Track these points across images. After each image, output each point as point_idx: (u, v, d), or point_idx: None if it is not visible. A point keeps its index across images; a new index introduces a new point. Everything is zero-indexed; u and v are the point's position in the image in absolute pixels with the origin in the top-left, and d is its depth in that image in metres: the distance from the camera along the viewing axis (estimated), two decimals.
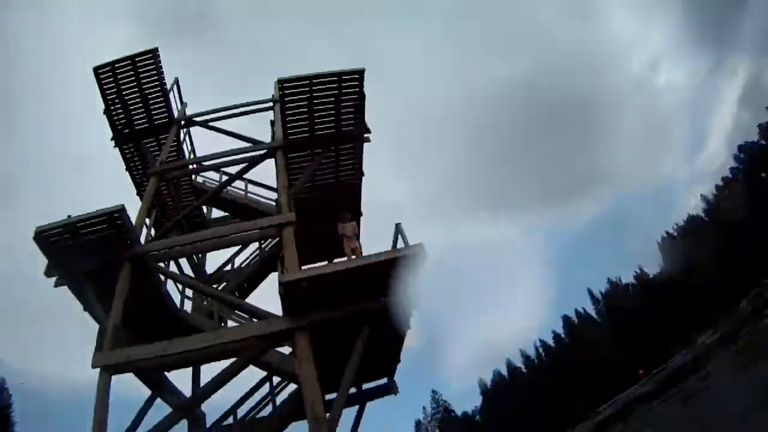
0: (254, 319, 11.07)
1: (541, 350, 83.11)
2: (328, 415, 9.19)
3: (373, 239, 12.01)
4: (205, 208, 16.86)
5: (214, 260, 16.59)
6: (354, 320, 9.75)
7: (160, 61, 14.19)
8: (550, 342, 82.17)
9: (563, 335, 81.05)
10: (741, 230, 55.47)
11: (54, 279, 10.90)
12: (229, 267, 15.63)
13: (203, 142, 16.39)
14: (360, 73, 12.24)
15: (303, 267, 11.61)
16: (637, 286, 73.91)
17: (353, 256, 10.73)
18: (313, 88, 12.17)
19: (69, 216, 10.55)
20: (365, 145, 13.36)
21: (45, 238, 10.42)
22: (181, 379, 13.16)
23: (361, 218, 14.30)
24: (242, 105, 14.99)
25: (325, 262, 12.92)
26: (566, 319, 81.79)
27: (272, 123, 14.22)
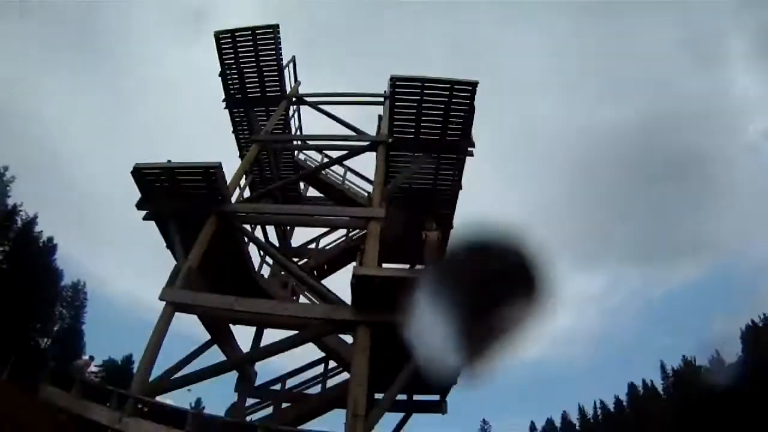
0: (323, 302, 11.25)
1: (599, 411, 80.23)
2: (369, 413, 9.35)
3: None
4: (302, 185, 17.38)
5: (302, 235, 17.16)
6: None
7: (279, 38, 14.83)
8: (610, 405, 79.18)
9: (624, 402, 77.89)
10: None
11: (144, 213, 11.58)
12: (313, 246, 15.99)
13: (311, 122, 16.86)
14: (473, 85, 12.12)
15: (383, 265, 11.81)
16: (711, 372, 69.82)
17: None
18: (425, 91, 12.18)
19: (169, 161, 11.28)
20: (468, 158, 13.17)
21: (142, 174, 11.19)
22: (243, 334, 13.76)
23: (452, 231, 13.88)
24: (354, 94, 15.39)
25: (407, 266, 13.05)
26: (631, 387, 78.35)
27: (380, 118, 14.44)
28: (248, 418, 12.79)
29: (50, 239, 43.36)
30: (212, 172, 11.07)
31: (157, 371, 9.99)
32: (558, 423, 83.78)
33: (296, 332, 10.88)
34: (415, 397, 13.07)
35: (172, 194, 11.37)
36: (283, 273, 13.83)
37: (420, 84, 12.16)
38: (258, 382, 13.60)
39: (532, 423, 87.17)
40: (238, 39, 14.78)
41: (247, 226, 12.50)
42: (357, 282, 9.31)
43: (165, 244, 12.01)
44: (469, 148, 12.94)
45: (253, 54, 14.86)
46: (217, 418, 10.30)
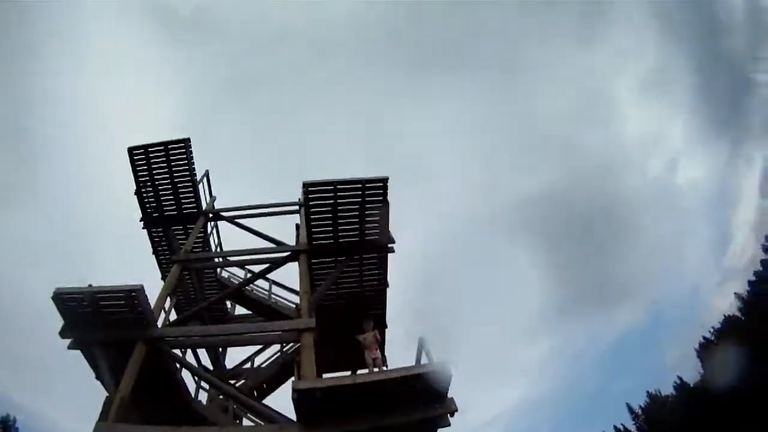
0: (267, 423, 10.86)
1: None
2: None
3: (401, 350, 11.80)
4: (229, 304, 17.21)
5: (235, 356, 16.73)
6: None
7: (191, 152, 14.93)
8: None
9: None
10: None
11: (69, 341, 11.02)
12: (248, 365, 15.73)
13: (231, 236, 16.80)
14: (384, 181, 12.38)
15: (325, 375, 11.70)
16: (679, 397, 71.47)
17: (374, 367, 10.56)
18: (338, 194, 12.40)
19: (90, 285, 10.84)
20: (392, 255, 13.38)
21: (63, 300, 10.69)
22: None
23: (386, 330, 14.19)
24: (270, 205, 15.65)
25: (348, 372, 13.00)
26: None
27: (297, 226, 14.62)
28: None
29: None
30: (134, 295, 10.73)
31: None
32: None
33: None
34: None
35: (96, 320, 10.90)
36: (221, 397, 13.39)
37: (332, 187, 12.37)
38: None
39: None
40: (150, 154, 14.75)
41: (177, 351, 12.14)
42: (299, 397, 9.11)
43: (94, 375, 11.39)
44: (390, 245, 13.22)
45: (166, 169, 14.85)
46: None
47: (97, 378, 11.23)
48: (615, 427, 78.31)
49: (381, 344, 11.68)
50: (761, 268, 70.57)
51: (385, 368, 10.72)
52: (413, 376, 9.39)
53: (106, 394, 10.47)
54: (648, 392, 76.79)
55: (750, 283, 71.30)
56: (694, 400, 64.91)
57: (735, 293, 73.54)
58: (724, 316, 74.12)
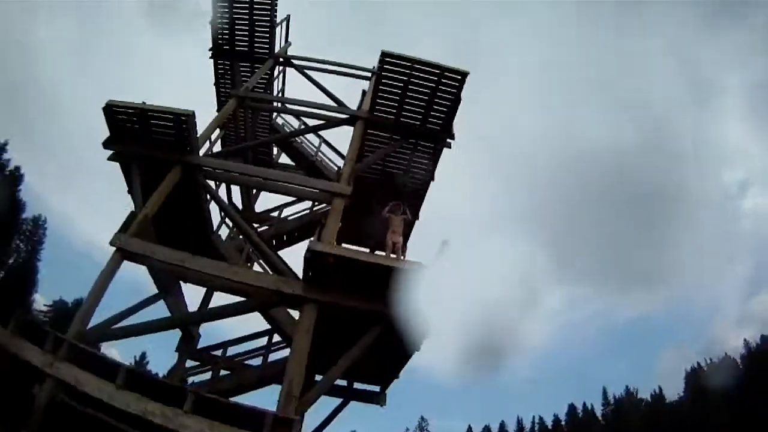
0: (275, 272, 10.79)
1: (536, 427, 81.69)
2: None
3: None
4: (275, 151, 16.97)
5: (268, 202, 16.62)
6: (367, 316, 9.36)
7: None
8: (549, 422, 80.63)
9: (563, 422, 79.39)
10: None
11: (109, 153, 11.11)
12: (276, 213, 15.59)
13: (295, 87, 16.18)
14: (463, 75, 11.61)
15: (343, 245, 11.41)
16: (650, 405, 71.69)
17: (393, 250, 10.21)
18: (413, 72, 11.68)
19: (144, 102, 10.73)
20: (445, 150, 12.79)
21: (114, 112, 10.66)
22: (194, 294, 13.39)
23: (417, 222, 13.70)
24: (343, 65, 14.86)
25: (366, 249, 12.66)
26: (571, 408, 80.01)
27: (363, 93, 14.04)
28: (190, 381, 12.53)
29: (17, 168, 42.39)
30: (184, 119, 10.57)
31: (100, 319, 9.74)
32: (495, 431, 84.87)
33: (241, 300, 10.54)
34: (356, 385, 12.95)
35: (141, 137, 10.88)
36: (240, 237, 13.33)
37: (410, 64, 11.63)
38: (201, 345, 13.17)
39: (470, 427, 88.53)
40: None
41: (212, 183, 12.02)
42: (311, 257, 8.96)
43: (127, 189, 11.49)
44: (449, 140, 12.56)
45: (247, 5, 14.21)
46: (149, 376, 9.97)
47: (129, 192, 11.33)
48: (584, 404, 79.39)
49: (406, 231, 11.37)
50: None
51: (403, 257, 10.27)
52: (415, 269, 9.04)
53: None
54: (627, 387, 76.96)
55: (762, 338, 69.41)
56: (662, 415, 65.35)
57: (745, 339, 72.12)
58: (725, 353, 72.88)
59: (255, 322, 12.19)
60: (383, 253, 10.37)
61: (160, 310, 12.09)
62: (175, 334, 12.66)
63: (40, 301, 49.28)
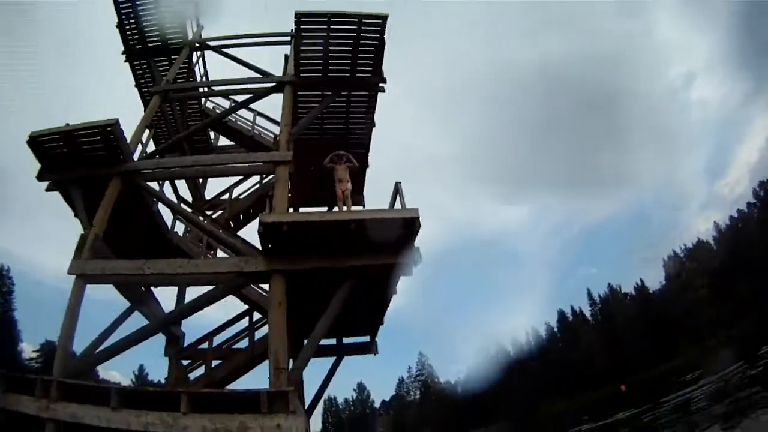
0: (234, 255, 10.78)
1: (531, 339, 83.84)
2: (292, 362, 9.17)
3: (380, 196, 11.45)
4: (213, 136, 16.70)
5: (217, 187, 16.39)
6: (337, 273, 9.44)
7: None
8: (542, 332, 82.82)
9: (555, 329, 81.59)
10: (744, 266, 55.67)
11: (46, 183, 10.80)
12: (227, 197, 15.37)
13: (219, 69, 15.91)
14: (383, 19, 11.49)
15: (303, 210, 11.34)
16: (635, 298, 74.03)
17: (344, 200, 10.25)
18: (331, 26, 11.48)
19: (67, 124, 10.47)
20: (380, 95, 12.72)
21: (39, 143, 10.38)
22: (169, 297, 13.33)
23: (367, 170, 13.93)
24: (260, 35, 14.66)
25: (324, 209, 12.67)
26: (561, 314, 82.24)
27: (286, 58, 13.74)
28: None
29: None
30: (109, 129, 10.35)
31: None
32: (493, 353, 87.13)
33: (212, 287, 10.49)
34: (345, 340, 13.16)
35: (72, 160, 10.62)
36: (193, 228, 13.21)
37: (326, 19, 11.43)
38: (186, 343, 13.15)
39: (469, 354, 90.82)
40: None
41: (155, 184, 11.79)
42: (265, 230, 8.91)
43: (73, 214, 11.18)
44: (380, 84, 12.45)
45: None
46: (141, 389, 9.97)
47: (76, 217, 10.97)
48: (572, 308, 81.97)
49: (360, 179, 11.45)
50: (745, 209, 71.50)
51: (361, 207, 10.32)
52: (381, 219, 9.15)
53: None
54: (610, 284, 79.66)
55: (731, 218, 72.09)
56: (648, 305, 67.85)
57: (714, 222, 75.64)
58: (698, 239, 75.59)
59: (235, 306, 12.40)
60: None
61: (139, 321, 11.99)
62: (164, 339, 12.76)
63: (28, 349, 48.69)
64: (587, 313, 79.82)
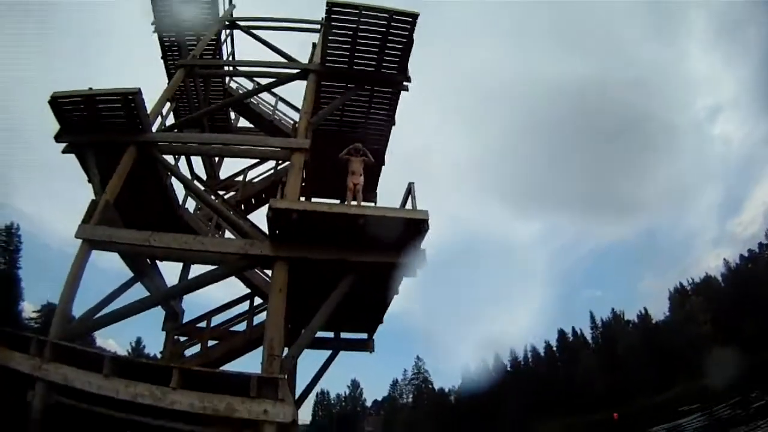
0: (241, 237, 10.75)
1: (529, 355, 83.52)
2: (287, 350, 9.14)
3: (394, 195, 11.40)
4: (233, 116, 16.71)
5: (233, 167, 16.57)
6: (341, 266, 9.41)
7: None
8: (541, 350, 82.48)
9: (554, 348, 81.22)
10: (752, 306, 55.41)
11: (63, 145, 10.87)
12: (241, 178, 15.41)
13: (245, 50, 15.97)
14: (413, 17, 11.40)
15: (316, 199, 11.29)
16: (638, 326, 73.45)
17: (354, 193, 10.18)
18: (361, 19, 11.41)
19: (90, 88, 10.46)
20: (404, 94, 12.65)
21: (60, 104, 10.42)
22: (173, 272, 13.35)
23: (383, 168, 13.88)
24: (291, 20, 14.66)
25: (337, 202, 12.63)
26: (561, 333, 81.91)
27: (314, 45, 13.77)
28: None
29: None
30: (130, 98, 10.35)
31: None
32: (490, 365, 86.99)
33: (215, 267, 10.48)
34: (343, 335, 13.12)
35: (91, 124, 10.65)
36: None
37: (357, 11, 11.35)
38: (185, 320, 13.17)
39: (466, 365, 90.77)
40: None
41: (170, 158, 11.80)
42: (274, 215, 8.89)
43: (87, 178, 11.23)
44: (405, 83, 12.39)
45: None
46: (135, 360, 9.97)
47: (89, 181, 11.03)
48: (573, 329, 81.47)
49: (376, 173, 11.57)
50: (757, 250, 70.69)
51: (374, 204, 10.26)
52: (390, 217, 9.08)
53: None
54: (613, 309, 78.96)
55: (741, 257, 71.16)
56: (649, 335, 67.18)
57: (724, 259, 74.55)
58: (706, 274, 74.74)
59: (237, 289, 12.32)
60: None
61: (141, 293, 11.99)
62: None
63: (29, 308, 49.15)
64: (588, 336, 79.36)
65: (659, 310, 75.56)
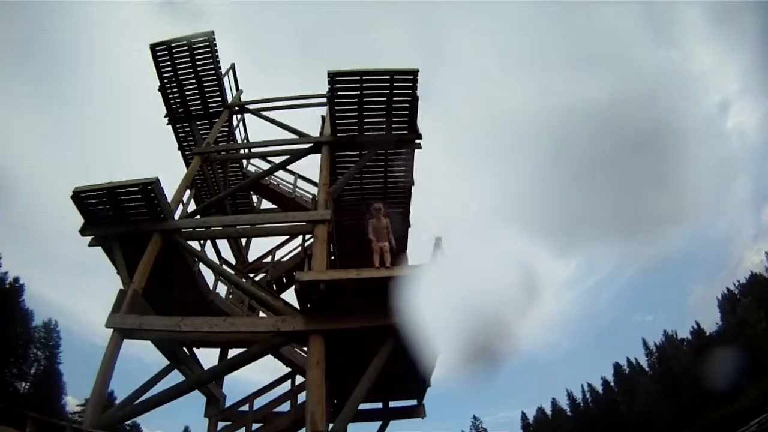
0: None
1: (588, 394, 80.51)
2: (332, 426, 8.88)
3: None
4: (255, 198, 17.00)
5: (260, 249, 16.71)
6: (377, 332, 9.16)
7: (216, 45, 14.42)
8: (599, 387, 79.53)
9: (612, 383, 78.28)
10: None
11: (89, 238, 11.05)
12: (269, 259, 15.51)
13: (259, 130, 16.39)
14: (413, 74, 11.60)
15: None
16: (692, 343, 70.58)
17: (381, 254, 9.87)
18: (364, 84, 11.66)
19: (111, 181, 10.72)
20: (426, 149, 12.59)
21: (82, 198, 10.68)
22: (212, 358, 13.28)
23: (410, 229, 13.73)
24: (297, 97, 15.00)
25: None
26: (617, 366, 78.99)
27: (323, 118, 14.01)
28: None
29: (16, 279, 42.49)
30: (150, 188, 10.60)
31: None
32: (549, 410, 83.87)
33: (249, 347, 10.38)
34: (391, 404, 12.76)
35: (115, 216, 10.90)
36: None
37: (359, 77, 11.66)
38: (227, 405, 12.99)
39: (523, 414, 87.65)
40: (174, 50, 14.32)
41: (195, 244, 11.93)
42: (302, 288, 8.81)
43: (115, 270, 11.37)
44: (417, 140, 12.40)
45: (190, 65, 14.46)
46: None
47: (118, 272, 11.11)
48: (628, 360, 78.37)
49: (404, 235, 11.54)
50: None
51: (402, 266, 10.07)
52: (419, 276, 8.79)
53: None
54: (665, 332, 75.91)
55: None
56: (705, 348, 64.41)
57: (766, 252, 71.30)
58: (751, 272, 71.95)
59: (278, 370, 12.24)
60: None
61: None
62: None
63: (72, 402, 49.28)
64: (644, 363, 76.33)
65: (712, 321, 72.46)
